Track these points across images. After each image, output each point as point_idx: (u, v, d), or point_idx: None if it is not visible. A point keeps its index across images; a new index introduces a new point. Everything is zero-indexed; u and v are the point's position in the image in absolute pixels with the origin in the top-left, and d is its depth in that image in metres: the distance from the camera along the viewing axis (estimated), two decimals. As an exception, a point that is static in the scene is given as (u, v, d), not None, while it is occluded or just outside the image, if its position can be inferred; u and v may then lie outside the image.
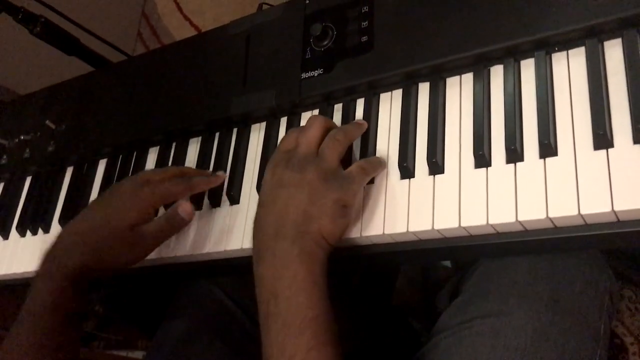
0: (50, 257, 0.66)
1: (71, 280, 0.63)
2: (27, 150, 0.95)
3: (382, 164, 0.61)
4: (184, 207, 0.67)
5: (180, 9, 2.18)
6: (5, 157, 0.98)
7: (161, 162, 0.81)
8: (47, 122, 0.93)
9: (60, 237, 0.67)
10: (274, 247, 0.55)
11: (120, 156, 0.86)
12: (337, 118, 0.69)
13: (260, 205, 0.60)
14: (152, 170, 0.72)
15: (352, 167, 0.59)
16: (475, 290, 0.61)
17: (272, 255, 0.55)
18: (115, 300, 0.96)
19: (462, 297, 0.62)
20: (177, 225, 0.67)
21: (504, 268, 0.60)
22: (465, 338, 0.57)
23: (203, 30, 2.10)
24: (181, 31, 2.15)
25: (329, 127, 0.62)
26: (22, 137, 0.96)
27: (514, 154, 0.55)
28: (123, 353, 1.57)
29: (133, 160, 0.84)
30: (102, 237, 0.64)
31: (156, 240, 0.67)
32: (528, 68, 0.58)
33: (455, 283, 0.79)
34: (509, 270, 0.59)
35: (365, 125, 0.64)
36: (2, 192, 0.99)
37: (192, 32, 2.10)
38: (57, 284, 0.63)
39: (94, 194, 0.86)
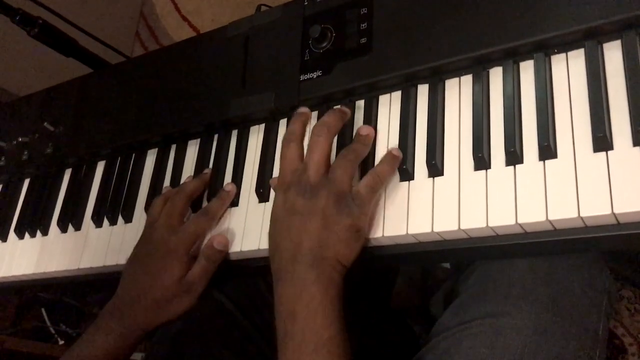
0: (109, 314, 0.70)
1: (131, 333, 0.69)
2: (26, 152, 0.95)
3: (390, 175, 0.60)
4: (220, 240, 0.68)
5: (178, 9, 2.17)
6: (3, 159, 0.98)
7: (160, 164, 0.80)
8: (46, 124, 0.93)
9: (115, 305, 0.71)
10: (292, 270, 0.57)
11: (119, 158, 0.86)
12: (336, 120, 0.68)
13: (273, 227, 0.61)
14: (162, 203, 0.73)
15: (360, 188, 0.59)
16: (474, 291, 0.61)
17: (290, 278, 0.57)
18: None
19: (460, 298, 0.62)
20: (218, 260, 0.69)
21: (503, 269, 0.60)
22: (464, 339, 0.57)
23: (201, 30, 2.10)
24: (179, 32, 2.15)
25: (334, 134, 0.62)
26: (20, 139, 0.96)
27: (514, 157, 0.55)
28: (122, 354, 1.57)
29: (132, 162, 0.84)
30: (156, 298, 0.68)
31: (204, 281, 0.69)
32: (527, 70, 0.58)
33: (449, 287, 0.79)
34: (508, 271, 0.59)
35: (371, 138, 0.63)
36: (0, 194, 0.98)
37: (190, 33, 2.10)
38: (115, 339, 0.69)
39: (92, 196, 0.86)
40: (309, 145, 0.62)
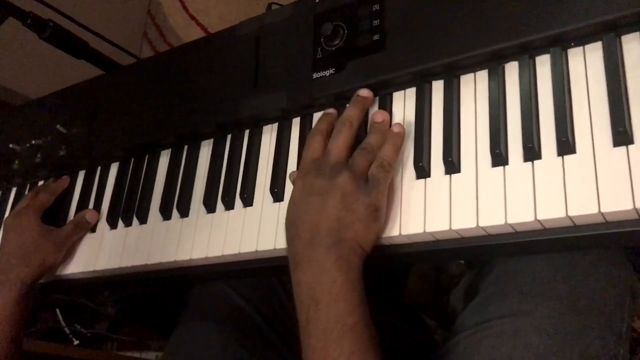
0: None
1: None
2: (39, 155, 0.95)
3: (396, 151, 0.61)
4: (91, 214, 0.85)
5: (185, 8, 2.17)
6: (17, 162, 0.98)
7: (173, 165, 0.80)
8: (58, 126, 0.93)
9: None
10: (310, 254, 0.56)
11: (132, 159, 0.86)
12: (349, 118, 0.68)
13: (291, 211, 0.61)
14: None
15: (373, 169, 0.59)
16: (493, 289, 0.60)
17: (308, 262, 0.56)
18: (128, 302, 0.96)
19: (480, 296, 0.61)
20: (84, 229, 0.85)
21: (522, 266, 0.60)
22: (485, 338, 0.56)
23: (209, 29, 2.10)
24: (187, 30, 2.15)
25: (357, 126, 0.63)
26: (33, 142, 0.96)
27: (532, 152, 0.54)
28: (136, 354, 1.57)
29: (145, 163, 0.84)
30: (23, 250, 0.82)
31: (69, 240, 0.84)
32: (544, 64, 0.57)
33: (469, 280, 0.78)
34: (528, 269, 0.59)
35: (387, 124, 0.63)
36: (14, 198, 0.99)
37: (198, 31, 2.10)
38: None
39: (106, 198, 0.86)
40: (332, 136, 0.63)
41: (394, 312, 1.02)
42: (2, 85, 1.72)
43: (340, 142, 0.61)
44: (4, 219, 0.92)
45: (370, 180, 0.58)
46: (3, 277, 0.80)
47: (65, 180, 0.91)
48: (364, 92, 0.64)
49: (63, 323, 1.64)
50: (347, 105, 0.65)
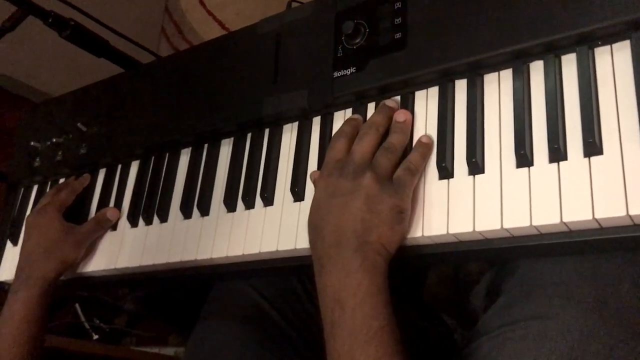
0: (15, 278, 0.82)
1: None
2: (60, 153, 0.96)
3: (424, 158, 0.60)
4: (112, 212, 0.85)
5: (203, 3, 2.18)
6: (38, 159, 0.99)
7: (194, 163, 0.81)
8: (79, 124, 0.94)
9: (17, 269, 0.83)
10: (335, 256, 0.56)
11: (153, 157, 0.86)
12: (371, 117, 0.67)
13: (315, 212, 0.60)
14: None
15: (399, 172, 0.59)
16: (517, 291, 0.59)
17: (334, 265, 0.56)
18: (147, 298, 0.96)
19: (504, 298, 0.61)
20: (105, 227, 0.85)
21: (547, 268, 0.59)
22: (508, 341, 0.56)
23: (226, 24, 2.10)
24: (205, 26, 2.15)
25: (382, 132, 0.62)
26: (54, 140, 0.97)
27: (557, 153, 0.53)
28: (155, 349, 1.59)
29: (165, 162, 0.84)
30: (45, 247, 0.82)
31: (89, 236, 0.84)
32: (570, 63, 0.56)
33: (491, 279, 0.78)
34: (552, 271, 0.58)
35: (409, 124, 0.63)
36: (36, 195, 1.00)
37: (215, 27, 2.10)
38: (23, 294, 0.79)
39: (127, 196, 0.87)
40: (356, 138, 0.62)
41: (413, 310, 1.02)
42: (24, 82, 1.74)
43: (365, 144, 0.61)
44: (26, 216, 0.93)
45: (396, 182, 0.58)
46: (25, 274, 0.81)
47: (86, 178, 0.92)
48: (391, 103, 0.64)
49: (83, 318, 1.66)
50: (371, 110, 0.65)
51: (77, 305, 1.69)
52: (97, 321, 1.68)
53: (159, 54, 1.16)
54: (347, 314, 0.53)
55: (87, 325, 1.61)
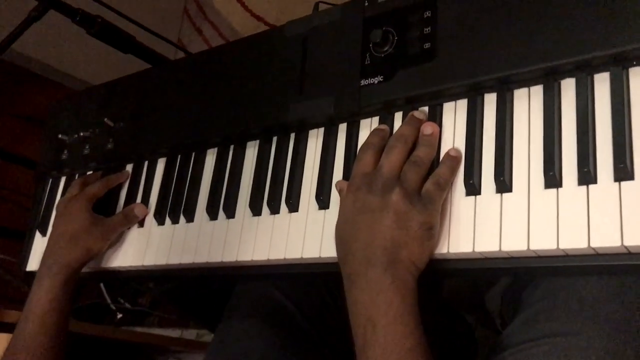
0: (41, 264, 0.84)
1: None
2: (87, 147, 0.97)
3: (453, 171, 0.60)
4: (139, 208, 0.86)
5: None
6: (66, 152, 1.00)
7: (219, 164, 0.81)
8: (106, 119, 0.94)
9: (43, 255, 0.85)
10: (365, 274, 0.56)
11: (179, 156, 0.87)
12: (398, 127, 0.67)
13: (343, 228, 0.61)
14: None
15: (428, 186, 0.59)
16: (541, 306, 0.60)
17: (364, 282, 0.56)
18: (173, 295, 0.98)
19: (527, 312, 0.61)
20: (133, 221, 0.86)
21: (572, 283, 0.59)
22: (531, 357, 0.56)
23: (248, 5, 2.09)
24: (227, 6, 2.14)
25: (410, 144, 0.62)
26: (81, 134, 0.98)
27: (587, 176, 0.53)
28: (177, 330, 1.62)
29: (192, 162, 0.85)
30: (71, 234, 0.84)
31: (117, 229, 0.86)
32: (602, 83, 0.56)
33: (506, 284, 0.78)
34: (577, 287, 0.58)
35: (437, 137, 0.63)
36: (63, 188, 1.01)
37: (236, 6, 2.10)
38: (48, 281, 0.81)
39: (154, 193, 0.88)
40: (384, 151, 0.62)
41: (433, 307, 1.02)
42: (61, 70, 1.75)
43: (393, 158, 0.61)
44: (57, 203, 0.95)
45: (424, 197, 0.58)
46: (52, 260, 0.83)
47: (125, 174, 0.92)
48: (419, 115, 0.64)
49: (108, 298, 1.69)
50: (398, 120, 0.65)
51: (101, 284, 1.73)
52: (122, 301, 1.72)
53: (180, 36, 1.16)
54: (379, 334, 0.54)
55: (113, 307, 1.65)
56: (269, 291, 0.80)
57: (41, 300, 0.80)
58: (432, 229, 0.57)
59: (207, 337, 1.53)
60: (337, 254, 0.61)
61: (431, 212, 0.57)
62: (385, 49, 0.68)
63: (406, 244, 0.56)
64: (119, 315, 1.72)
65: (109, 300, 1.64)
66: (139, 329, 1.72)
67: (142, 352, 1.61)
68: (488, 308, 0.95)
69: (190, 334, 1.58)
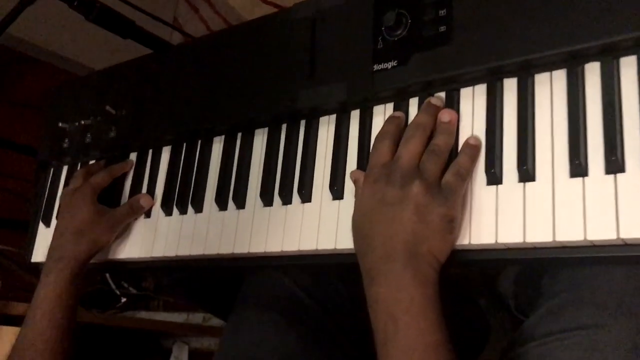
0: (47, 258, 0.82)
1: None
2: (89, 135, 0.94)
3: (473, 161, 0.58)
4: (145, 199, 0.85)
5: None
6: (67, 140, 0.98)
7: (227, 153, 0.79)
8: (107, 107, 0.92)
9: (50, 249, 0.84)
10: (386, 269, 0.55)
11: (185, 145, 0.85)
12: (413, 113, 0.65)
13: (362, 220, 0.59)
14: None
15: (448, 177, 0.57)
16: (566, 297, 0.58)
17: (384, 277, 0.55)
18: (183, 284, 0.97)
19: (551, 303, 0.60)
20: (138, 212, 0.85)
21: (597, 274, 0.57)
22: (556, 350, 0.55)
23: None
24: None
25: (428, 132, 0.60)
26: (82, 122, 0.96)
27: (615, 165, 0.51)
28: (184, 314, 1.62)
29: (198, 150, 0.83)
30: (77, 227, 0.83)
31: (124, 220, 0.85)
32: (629, 66, 0.53)
33: (518, 268, 0.77)
34: (604, 278, 0.57)
35: (455, 124, 0.61)
36: (66, 177, 0.99)
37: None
38: (55, 274, 0.79)
39: (160, 183, 0.86)
40: (402, 141, 0.60)
41: (443, 289, 1.02)
42: (63, 55, 1.70)
43: (412, 147, 0.59)
44: (60, 196, 0.93)
45: (445, 188, 0.56)
46: (58, 254, 0.81)
47: (129, 163, 0.90)
48: (436, 102, 0.62)
49: (111, 283, 1.69)
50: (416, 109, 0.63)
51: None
52: (126, 285, 1.71)
53: (176, 15, 1.12)
54: (400, 330, 0.52)
55: (118, 292, 1.64)
56: (280, 279, 0.79)
57: (49, 295, 0.78)
58: (454, 221, 0.56)
59: (214, 320, 1.52)
60: (355, 248, 0.59)
61: (452, 204, 0.56)
62: (399, 32, 0.66)
63: (427, 237, 0.55)
64: (123, 300, 1.72)
65: (113, 286, 1.63)
66: (143, 313, 1.72)
67: (148, 336, 1.61)
68: (500, 290, 0.94)
69: (196, 317, 1.58)
